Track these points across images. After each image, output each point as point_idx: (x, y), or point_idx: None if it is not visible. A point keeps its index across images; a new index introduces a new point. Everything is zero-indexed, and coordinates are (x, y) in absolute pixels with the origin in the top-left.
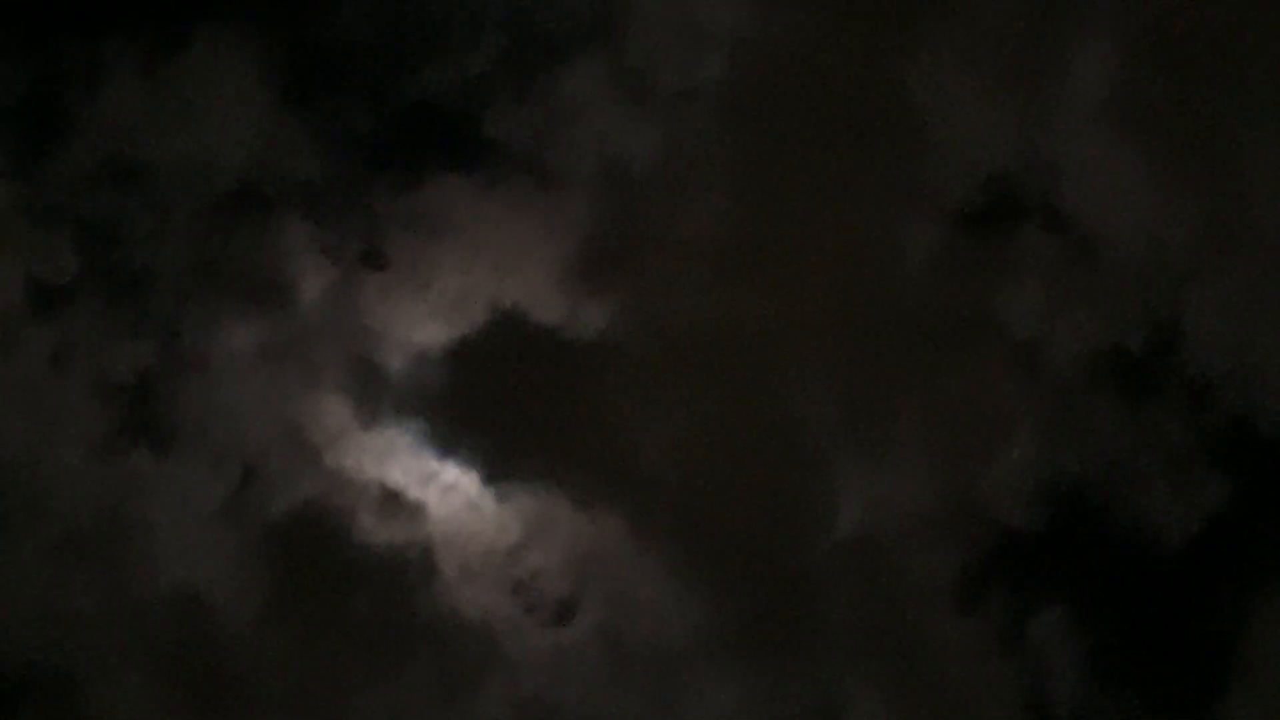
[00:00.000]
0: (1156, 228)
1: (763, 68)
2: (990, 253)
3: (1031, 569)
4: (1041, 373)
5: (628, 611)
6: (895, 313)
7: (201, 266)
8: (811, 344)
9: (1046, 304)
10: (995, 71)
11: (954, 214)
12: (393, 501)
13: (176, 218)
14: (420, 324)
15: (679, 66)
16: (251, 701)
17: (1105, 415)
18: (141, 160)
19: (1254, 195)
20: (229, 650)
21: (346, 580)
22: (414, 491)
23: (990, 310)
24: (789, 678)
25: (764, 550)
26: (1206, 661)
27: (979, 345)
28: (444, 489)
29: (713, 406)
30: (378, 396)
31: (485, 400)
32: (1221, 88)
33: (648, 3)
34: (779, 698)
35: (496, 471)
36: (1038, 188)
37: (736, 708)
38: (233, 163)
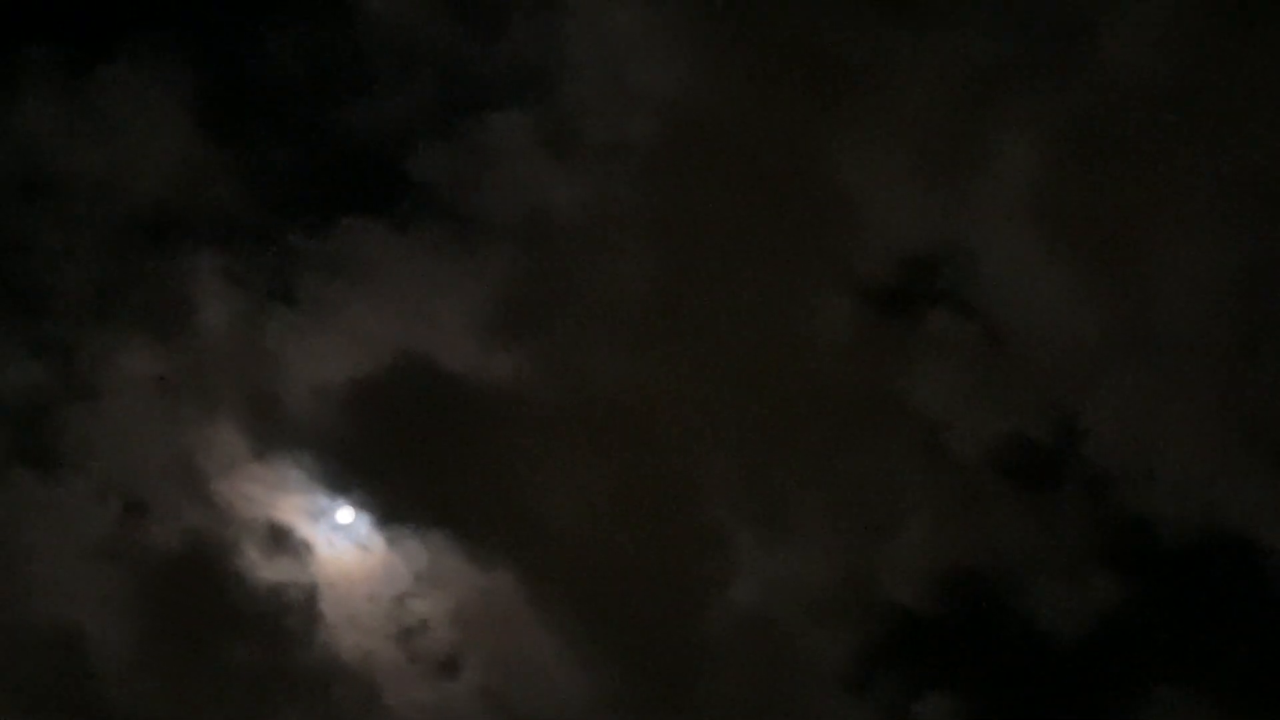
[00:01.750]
0: (1066, 322)
1: (691, 132)
2: (901, 335)
3: (923, 654)
4: (945, 458)
5: (514, 671)
6: (804, 389)
7: (105, 288)
8: (720, 415)
9: (954, 390)
10: (920, 156)
11: (869, 293)
12: (281, 539)
13: (84, 236)
14: (324, 362)
15: (608, 123)
16: None
17: (1005, 505)
18: (54, 173)
19: (1163, 297)
20: (102, 689)
21: (228, 621)
22: (303, 530)
23: (898, 393)
24: None
25: (658, 621)
26: None
27: (884, 427)
28: (334, 529)
29: (616, 470)
30: (273, 432)
31: (384, 443)
32: (1138, 190)
33: (581, 57)
34: None
35: (390, 516)
36: (953, 274)
37: None
38: (147, 185)
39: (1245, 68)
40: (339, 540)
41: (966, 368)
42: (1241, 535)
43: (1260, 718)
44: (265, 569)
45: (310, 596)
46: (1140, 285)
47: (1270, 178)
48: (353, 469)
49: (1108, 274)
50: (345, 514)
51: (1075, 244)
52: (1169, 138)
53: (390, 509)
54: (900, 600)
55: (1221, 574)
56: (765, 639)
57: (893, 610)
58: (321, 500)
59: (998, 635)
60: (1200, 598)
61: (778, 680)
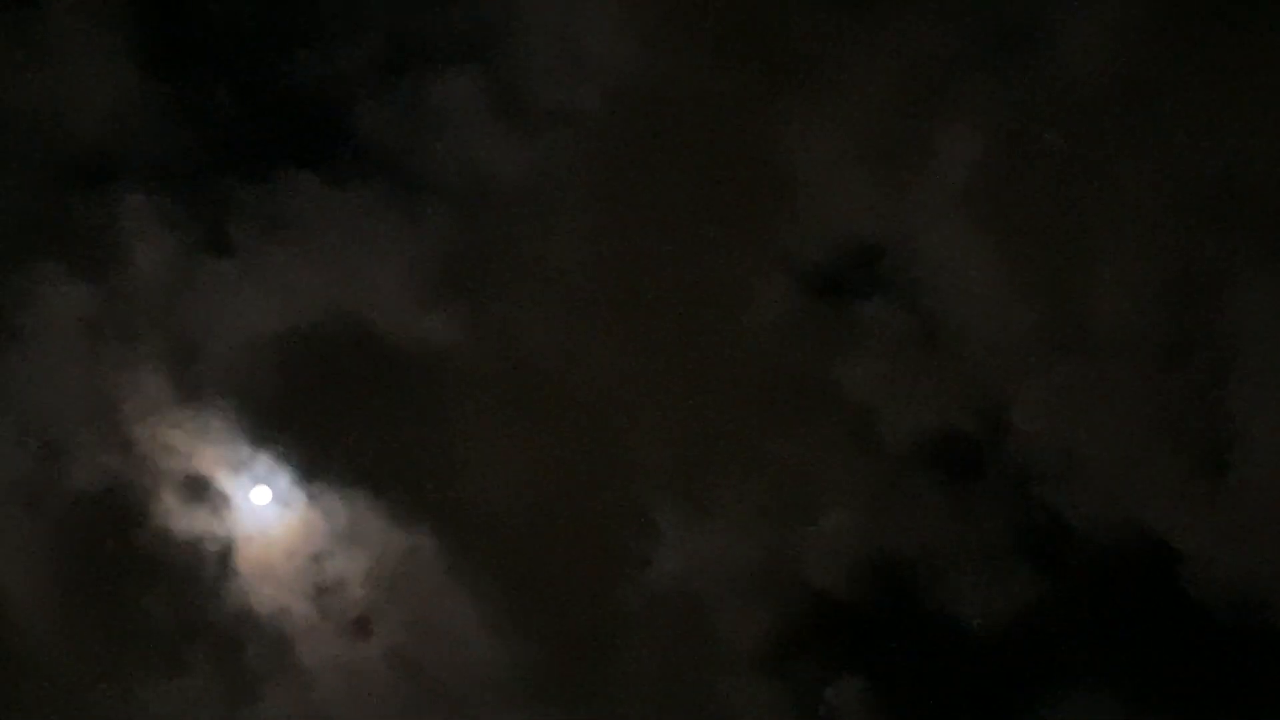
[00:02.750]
0: (999, 318)
1: (640, 105)
2: (836, 321)
3: (838, 638)
4: (872, 446)
5: (428, 635)
6: (738, 370)
7: (32, 226)
8: (651, 391)
9: (885, 379)
10: (865, 145)
11: (807, 278)
12: (199, 490)
13: (13, 172)
14: (254, 314)
15: (556, 90)
16: (31, 689)
17: (929, 496)
18: None
19: (1096, 298)
20: (10, 633)
21: (142, 569)
22: (222, 482)
23: (829, 379)
24: None
25: (577, 592)
26: None
27: (814, 412)
28: (254, 481)
29: (544, 440)
30: (198, 381)
31: (310, 398)
32: (1077, 190)
33: (532, 22)
34: None
35: (312, 471)
36: (891, 263)
37: None
38: (83, 124)
39: (1190, 73)
40: (259, 494)
41: (899, 358)
42: (1158, 538)
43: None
44: (182, 519)
45: (226, 549)
46: (1074, 285)
47: (1207, 183)
48: (277, 423)
49: (1043, 272)
50: (266, 467)
51: (1013, 241)
52: (1111, 139)
53: (313, 466)
54: (819, 584)
55: (1136, 575)
56: (683, 616)
57: (811, 594)
58: (243, 452)
59: (913, 623)
60: (1114, 598)
61: (693, 657)
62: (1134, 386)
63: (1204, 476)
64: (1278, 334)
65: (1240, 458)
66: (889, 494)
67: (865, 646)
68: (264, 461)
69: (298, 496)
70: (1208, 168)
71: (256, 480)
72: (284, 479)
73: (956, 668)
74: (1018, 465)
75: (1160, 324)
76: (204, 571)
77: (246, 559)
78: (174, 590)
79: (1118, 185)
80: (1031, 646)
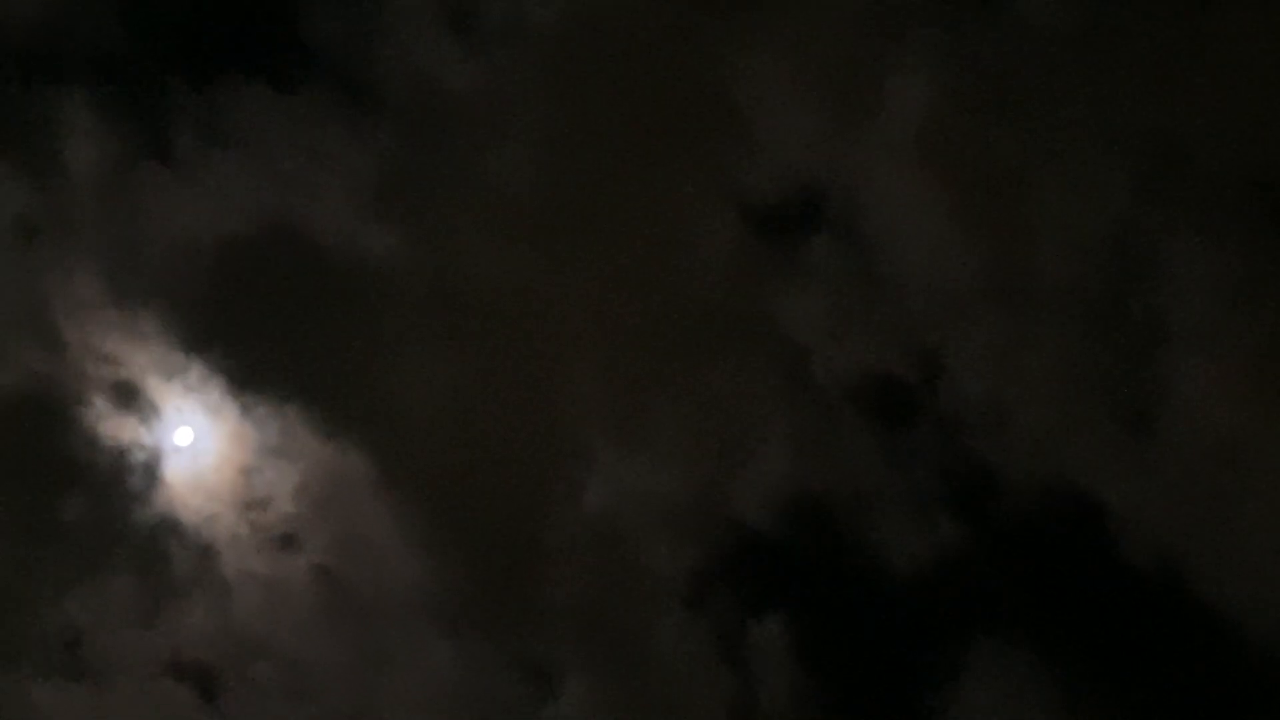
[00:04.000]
0: (940, 264)
1: (593, 26)
2: (779, 258)
3: (763, 575)
4: (806, 386)
5: (353, 552)
6: (677, 302)
7: None
8: (590, 319)
9: (824, 318)
10: (818, 84)
11: (751, 213)
12: (130, 395)
13: None
14: (192, 220)
15: (509, 4)
16: None
17: (860, 438)
18: None
19: (1037, 247)
20: None
21: (68, 472)
22: (154, 388)
23: (768, 316)
24: (506, 649)
25: (504, 517)
26: (912, 698)
27: (751, 349)
28: (186, 389)
29: (479, 361)
30: (133, 285)
31: (246, 308)
32: (1024, 141)
33: None
34: (491, 667)
35: (245, 382)
36: (837, 203)
37: (446, 670)
38: (24, 20)
39: (1141, 35)
40: (190, 402)
41: (838, 298)
42: (1085, 493)
43: (1078, 677)
44: (111, 423)
45: (154, 457)
46: (1014, 238)
47: (1151, 145)
48: (210, 331)
49: (985, 223)
50: (199, 375)
51: (958, 188)
52: (1060, 92)
53: (246, 376)
54: (747, 520)
55: (1061, 529)
56: (610, 546)
57: (739, 530)
58: (175, 360)
59: (837, 564)
60: (1038, 550)
61: (617, 589)
62: (1070, 340)
63: (1133, 434)
64: (1211, 297)
65: (1169, 418)
66: (820, 434)
67: (790, 585)
68: (196, 370)
69: (229, 407)
70: (1152, 130)
71: (188, 389)
72: (215, 388)
73: (878, 610)
74: (949, 413)
75: (1097, 282)
76: (130, 478)
77: (174, 468)
78: (98, 496)
79: (1063, 142)
80: (952, 593)
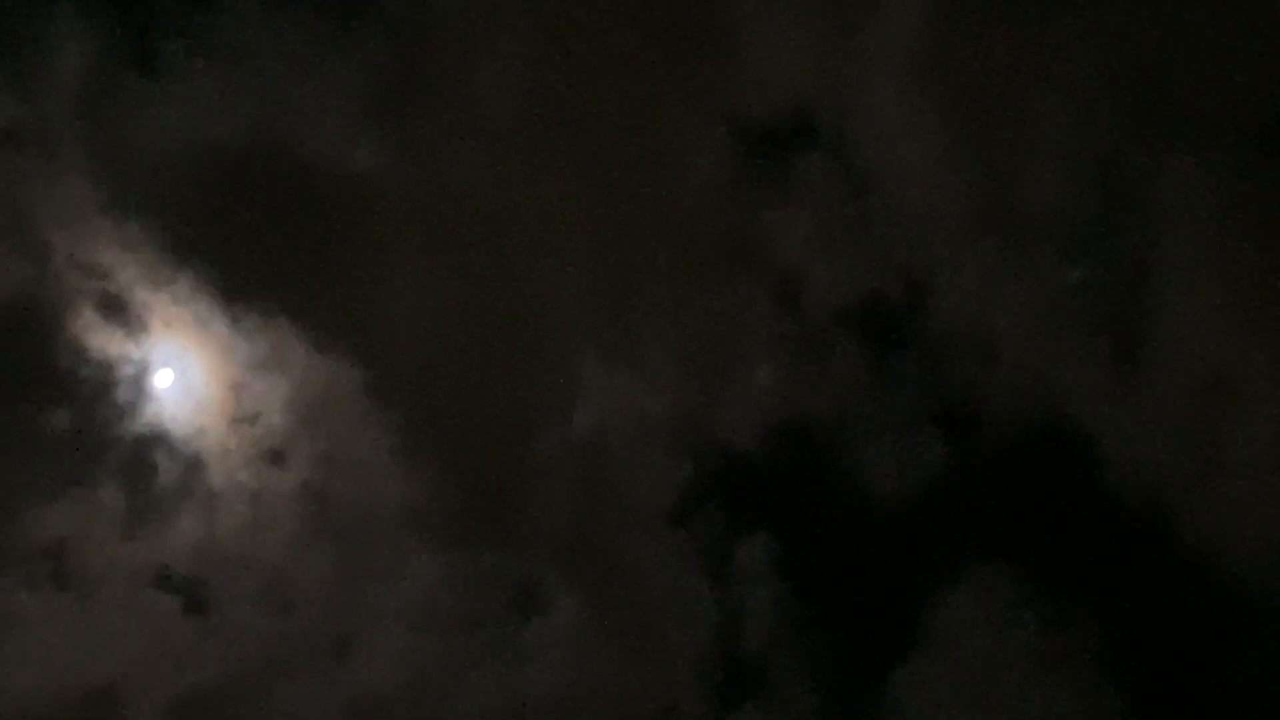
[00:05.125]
0: (931, 187)
1: None
2: (771, 177)
3: (750, 497)
4: (796, 307)
5: (340, 468)
6: (666, 221)
7: None
8: (578, 235)
9: (815, 238)
10: (811, 5)
11: (743, 130)
12: (118, 306)
13: None
14: (181, 132)
15: None
16: None
17: (849, 361)
18: None
19: (1028, 171)
20: None
21: (52, 384)
22: (142, 299)
23: (758, 236)
24: (492, 567)
25: (491, 434)
26: (896, 621)
27: (741, 269)
28: (175, 300)
29: (468, 277)
30: (122, 193)
31: (235, 220)
32: (1018, 65)
33: None
34: (477, 585)
35: (234, 294)
36: (830, 123)
37: (431, 588)
38: None
39: None
40: (179, 314)
41: (829, 219)
42: (1072, 419)
43: (1058, 601)
44: (98, 335)
45: (142, 369)
46: (1005, 163)
47: (1144, 68)
48: (198, 243)
49: (976, 146)
50: (188, 286)
51: (950, 110)
52: (1054, 22)
53: (235, 288)
54: (735, 442)
55: (1046, 456)
56: (596, 466)
57: (726, 451)
58: (164, 272)
59: (824, 486)
60: (1022, 476)
61: (604, 509)
62: (1060, 266)
63: (1119, 361)
64: (1200, 226)
65: (1156, 345)
66: (809, 356)
67: (776, 505)
68: (184, 282)
69: (218, 320)
70: (1145, 58)
71: (176, 300)
72: (203, 301)
73: (864, 531)
74: (938, 338)
75: (1090, 204)
76: (116, 390)
77: (162, 379)
78: (84, 407)
79: (1059, 61)
80: (937, 516)
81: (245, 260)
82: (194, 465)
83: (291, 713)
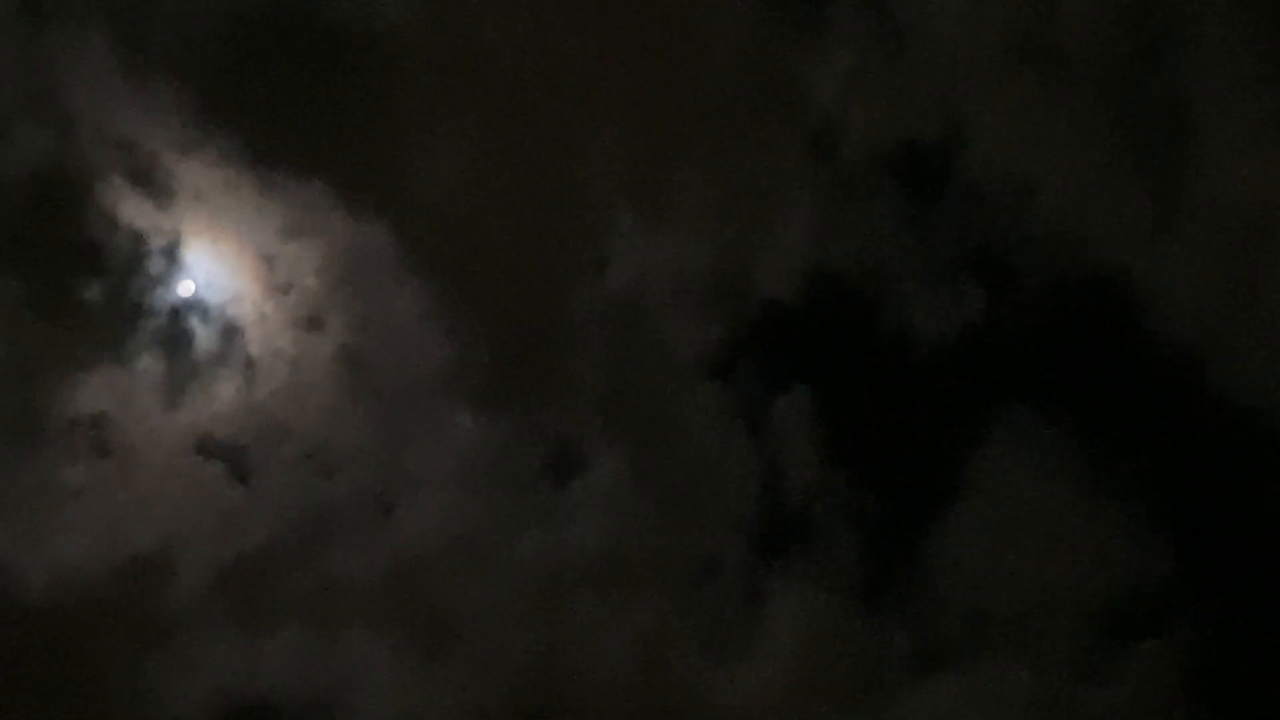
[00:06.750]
0: (968, 26)
1: None
2: (801, 23)
3: (788, 348)
4: (830, 155)
5: (376, 332)
6: (698, 72)
7: None
8: (611, 89)
9: (848, 85)
10: None
11: None
12: (147, 174)
13: None
14: None
15: None
16: None
17: (885, 207)
18: None
19: (1063, 8)
20: None
21: (83, 255)
22: (171, 165)
23: (791, 85)
24: (531, 427)
25: (527, 294)
26: (937, 469)
27: (773, 119)
28: (204, 165)
29: (501, 135)
30: (147, 57)
31: (263, 81)
32: None
33: None
34: (516, 446)
35: (262, 156)
36: None
37: (469, 447)
38: None
39: None
40: (209, 179)
41: (863, 63)
42: (1111, 265)
43: (1099, 447)
44: (129, 204)
45: (174, 239)
46: None
47: None
48: (228, 104)
49: None
50: (217, 150)
51: None
52: None
53: (264, 150)
54: (772, 293)
55: (1086, 299)
56: (633, 322)
57: (763, 303)
58: (193, 134)
59: (862, 336)
60: (1063, 321)
61: (642, 365)
62: (1099, 104)
63: (1159, 204)
64: (1240, 62)
65: (1196, 187)
66: (845, 204)
67: (815, 357)
68: (214, 149)
69: (248, 184)
70: None
71: (206, 165)
72: (233, 165)
73: (903, 381)
74: (975, 182)
75: (1125, 42)
76: (149, 258)
77: (194, 248)
78: (117, 276)
79: None
80: (976, 365)
81: (274, 122)
82: (230, 333)
83: (337, 574)
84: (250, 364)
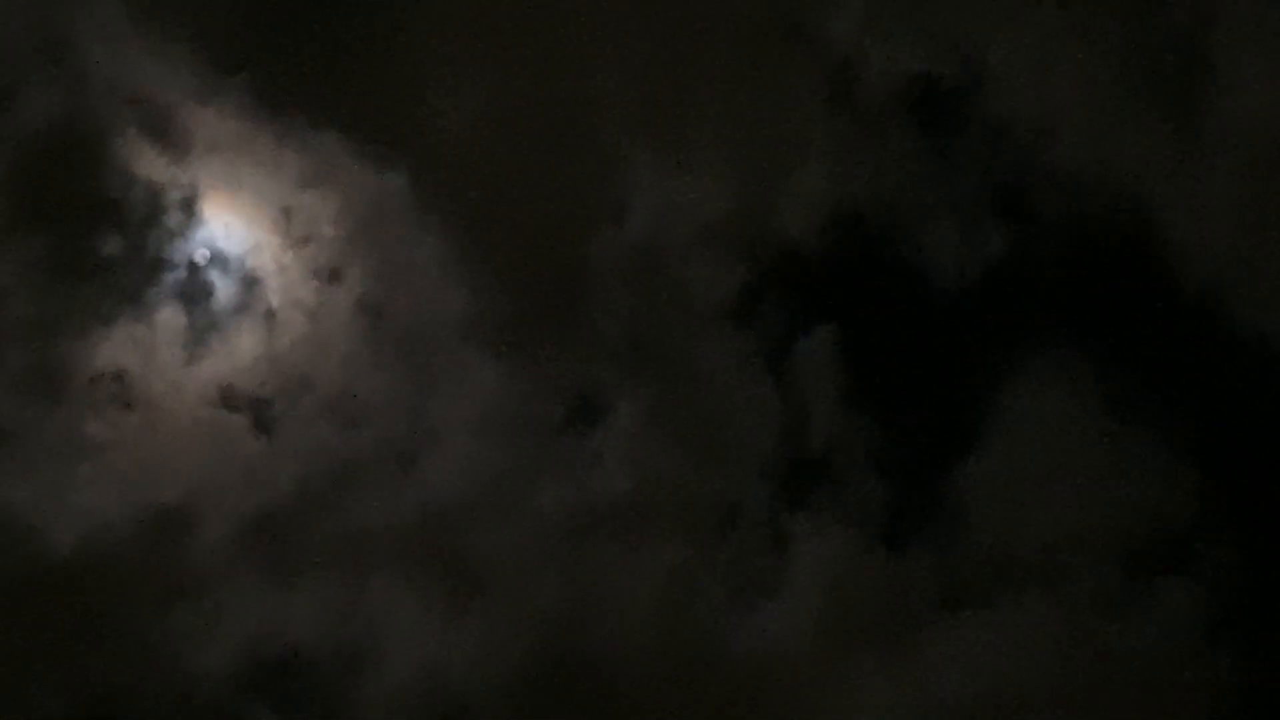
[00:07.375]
0: None
1: None
2: None
3: (809, 289)
4: (849, 96)
5: (395, 282)
6: (715, 14)
7: None
8: (626, 33)
9: (865, 23)
10: None
11: None
12: (162, 126)
13: None
14: None
15: None
16: None
17: (905, 147)
18: None
19: None
20: None
21: (102, 209)
22: (186, 114)
23: (807, 24)
24: (552, 373)
25: (546, 240)
26: (960, 409)
27: (790, 60)
28: (219, 114)
29: (517, 81)
30: (160, 9)
31: (278, 28)
32: None
33: None
34: (537, 393)
35: (279, 105)
36: None
37: (491, 396)
38: None
39: None
40: (224, 128)
41: (880, 2)
42: (1134, 199)
43: (1122, 385)
44: (145, 158)
45: (191, 193)
46: None
47: None
48: (243, 51)
49: None
50: (233, 99)
51: None
52: None
53: (280, 98)
54: (792, 236)
55: (1109, 235)
56: (653, 269)
57: (784, 245)
58: (209, 81)
59: (883, 276)
60: (1086, 257)
61: (663, 308)
62: (1117, 37)
63: (1181, 136)
64: None
65: (1217, 118)
66: (864, 145)
67: (837, 299)
68: (229, 100)
69: (265, 134)
70: None
71: (223, 115)
72: (249, 117)
73: (926, 320)
74: (994, 118)
75: None
76: (167, 210)
77: (211, 199)
78: (137, 230)
79: None
80: (1002, 302)
81: (290, 72)
82: (249, 285)
83: (361, 524)
84: (270, 315)
